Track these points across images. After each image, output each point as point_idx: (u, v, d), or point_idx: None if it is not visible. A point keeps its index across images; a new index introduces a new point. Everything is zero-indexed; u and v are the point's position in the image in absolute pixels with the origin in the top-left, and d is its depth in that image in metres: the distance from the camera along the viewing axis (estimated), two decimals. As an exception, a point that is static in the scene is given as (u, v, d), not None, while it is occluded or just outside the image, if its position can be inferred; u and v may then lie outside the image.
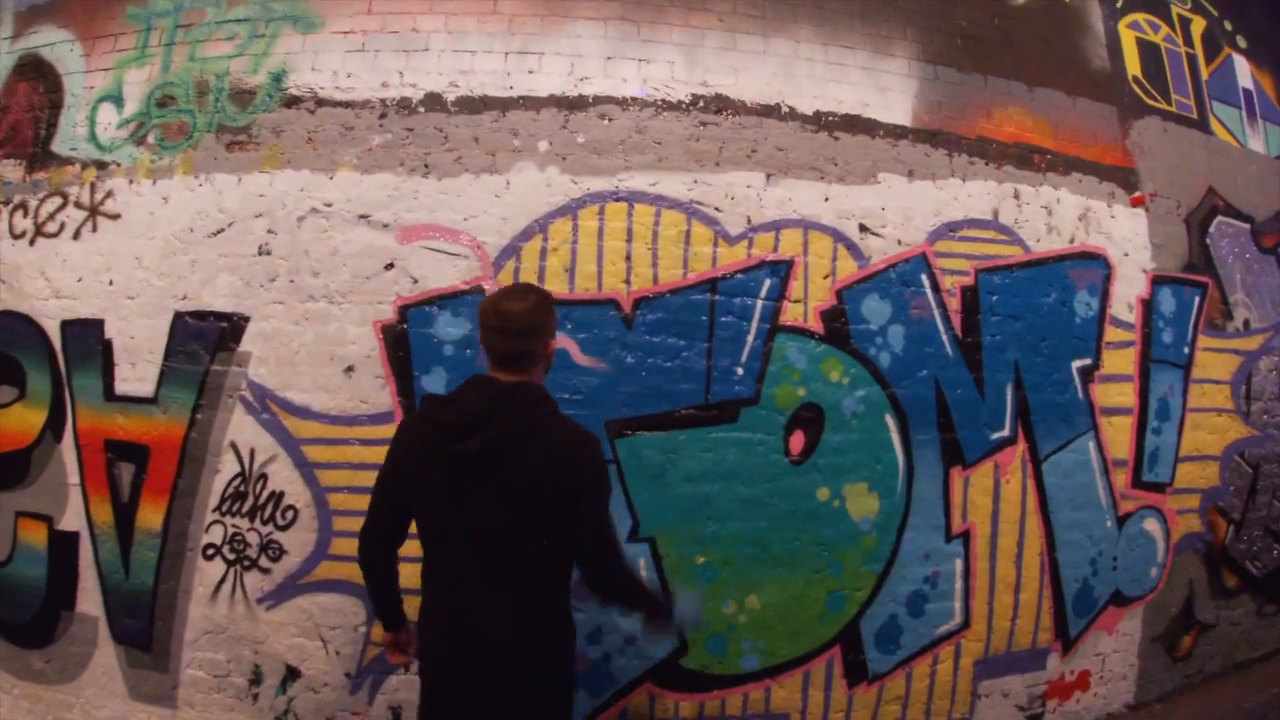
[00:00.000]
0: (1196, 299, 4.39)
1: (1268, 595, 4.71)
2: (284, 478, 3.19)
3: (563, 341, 3.17)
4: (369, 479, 3.13)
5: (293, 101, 3.37)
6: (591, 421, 3.14)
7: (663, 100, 3.41)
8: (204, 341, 3.26)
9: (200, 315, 3.28)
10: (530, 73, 3.39)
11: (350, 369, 3.19)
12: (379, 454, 3.11)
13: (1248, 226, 4.84)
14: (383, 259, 3.23)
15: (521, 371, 2.09)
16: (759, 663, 3.34)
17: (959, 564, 3.58)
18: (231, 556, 3.21)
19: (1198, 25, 4.97)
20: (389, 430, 3.08)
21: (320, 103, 3.36)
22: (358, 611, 3.15)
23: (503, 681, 2.03)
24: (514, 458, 1.99)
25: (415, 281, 3.22)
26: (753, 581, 3.31)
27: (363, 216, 3.26)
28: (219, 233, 3.30)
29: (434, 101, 3.34)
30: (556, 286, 3.20)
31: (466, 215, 3.25)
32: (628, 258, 3.26)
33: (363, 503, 3.09)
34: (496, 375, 2.09)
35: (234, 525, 3.21)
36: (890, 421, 3.45)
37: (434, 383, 3.15)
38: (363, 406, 3.18)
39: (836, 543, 3.38)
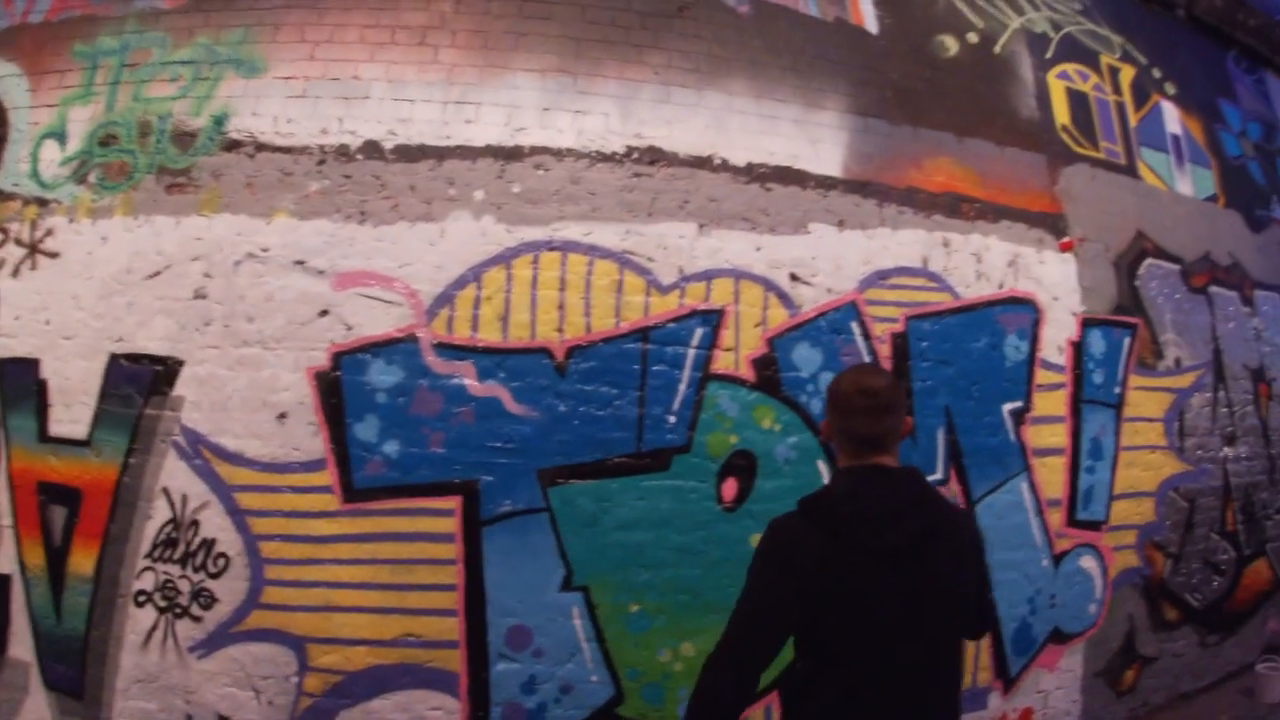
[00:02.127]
0: (1126, 340, 4.50)
1: (1209, 626, 4.80)
2: (215, 524, 3.15)
3: (495, 390, 3.19)
4: (301, 527, 3.18)
5: (233, 145, 3.38)
6: (524, 470, 3.18)
7: (597, 151, 3.47)
8: (138, 384, 3.23)
9: (135, 358, 3.25)
10: (468, 122, 3.44)
11: (283, 416, 3.18)
12: (311, 502, 3.16)
13: (1177, 268, 4.98)
14: (317, 305, 3.23)
15: (889, 452, 1.94)
16: None
17: (896, 606, 3.60)
18: (163, 604, 3.16)
19: (1127, 74, 5.14)
20: (321, 478, 3.13)
21: (260, 147, 3.38)
22: (290, 662, 3.11)
23: None
24: (933, 545, 1.86)
25: (349, 328, 3.22)
26: (688, 629, 3.30)
27: (298, 262, 3.26)
28: (156, 275, 3.29)
29: (372, 149, 3.37)
30: (489, 335, 3.23)
31: (402, 263, 3.27)
32: (561, 307, 3.29)
33: (296, 550, 3.16)
34: (876, 461, 1.91)
35: (165, 572, 3.17)
36: (823, 467, 3.48)
37: (366, 431, 3.14)
38: (295, 454, 3.16)
39: (771, 589, 3.39)
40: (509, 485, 3.16)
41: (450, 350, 3.20)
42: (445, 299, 3.25)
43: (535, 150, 3.43)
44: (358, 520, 3.11)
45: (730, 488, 3.36)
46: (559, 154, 3.44)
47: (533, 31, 3.59)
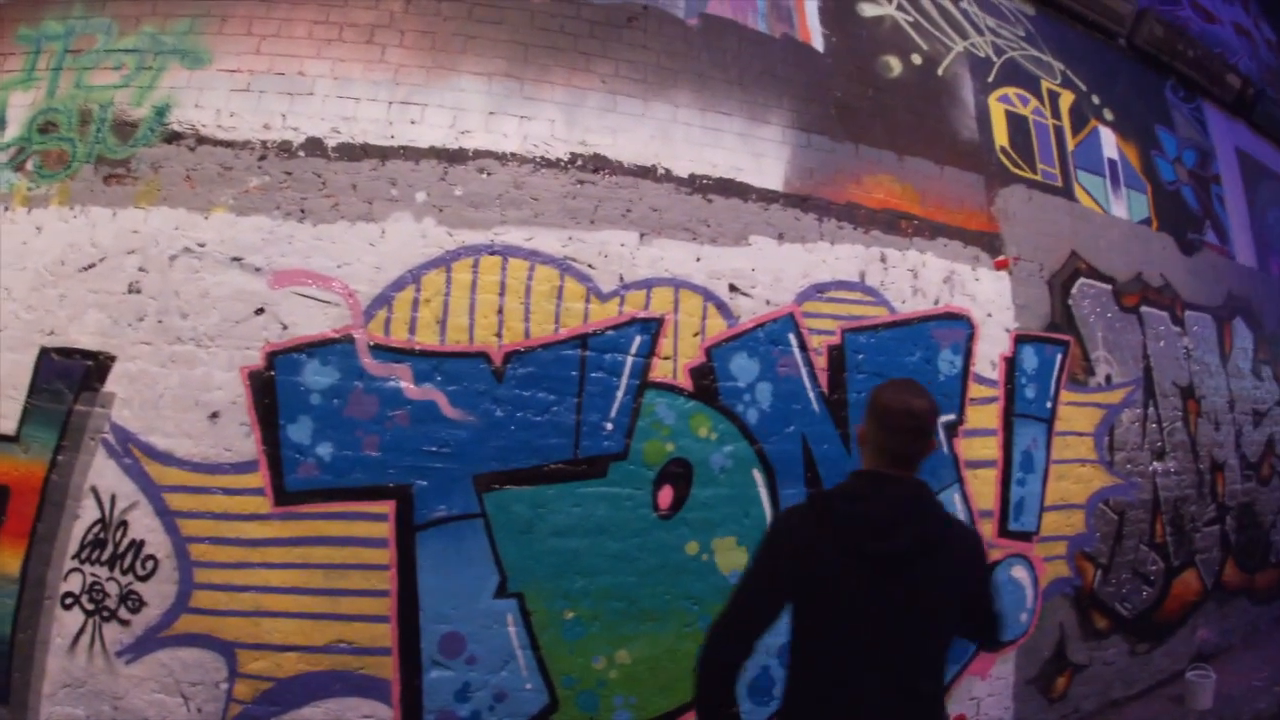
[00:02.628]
0: (1058, 356, 4.63)
1: (1139, 635, 4.93)
2: (144, 526, 3.07)
3: (431, 393, 3.17)
4: (231, 529, 3.12)
5: (174, 137, 3.31)
6: (459, 475, 3.15)
7: (542, 157, 3.47)
8: (68, 380, 3.13)
9: (66, 352, 3.15)
10: (412, 123, 3.42)
11: (215, 415, 3.11)
12: (242, 504, 3.10)
13: (1109, 287, 5.13)
14: (253, 303, 3.18)
15: (914, 468, 2.06)
16: (632, 717, 3.34)
17: (830, 615, 3.65)
18: (90, 607, 3.06)
19: (1066, 99, 5.29)
20: (253, 480, 3.06)
21: (201, 140, 3.31)
22: (219, 668, 3.04)
23: None
24: (929, 558, 1.94)
25: (285, 328, 3.17)
26: (623, 636, 3.31)
27: (235, 259, 3.21)
28: (90, 267, 3.21)
29: (315, 146, 3.33)
30: (427, 338, 3.21)
31: (340, 262, 3.23)
32: (500, 311, 3.28)
33: (226, 553, 3.10)
34: (893, 472, 2.02)
35: (93, 574, 3.07)
36: (758, 476, 3.53)
37: (300, 432, 3.09)
38: (226, 455, 3.09)
39: (706, 596, 3.41)
40: (444, 490, 3.14)
41: (387, 352, 3.17)
42: (383, 300, 3.22)
43: (479, 154, 3.42)
44: (289, 523, 3.05)
45: (666, 495, 3.38)
46: (503, 158, 3.44)
47: (482, 35, 3.59)
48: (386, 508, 3.10)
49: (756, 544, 2.06)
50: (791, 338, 3.68)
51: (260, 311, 3.17)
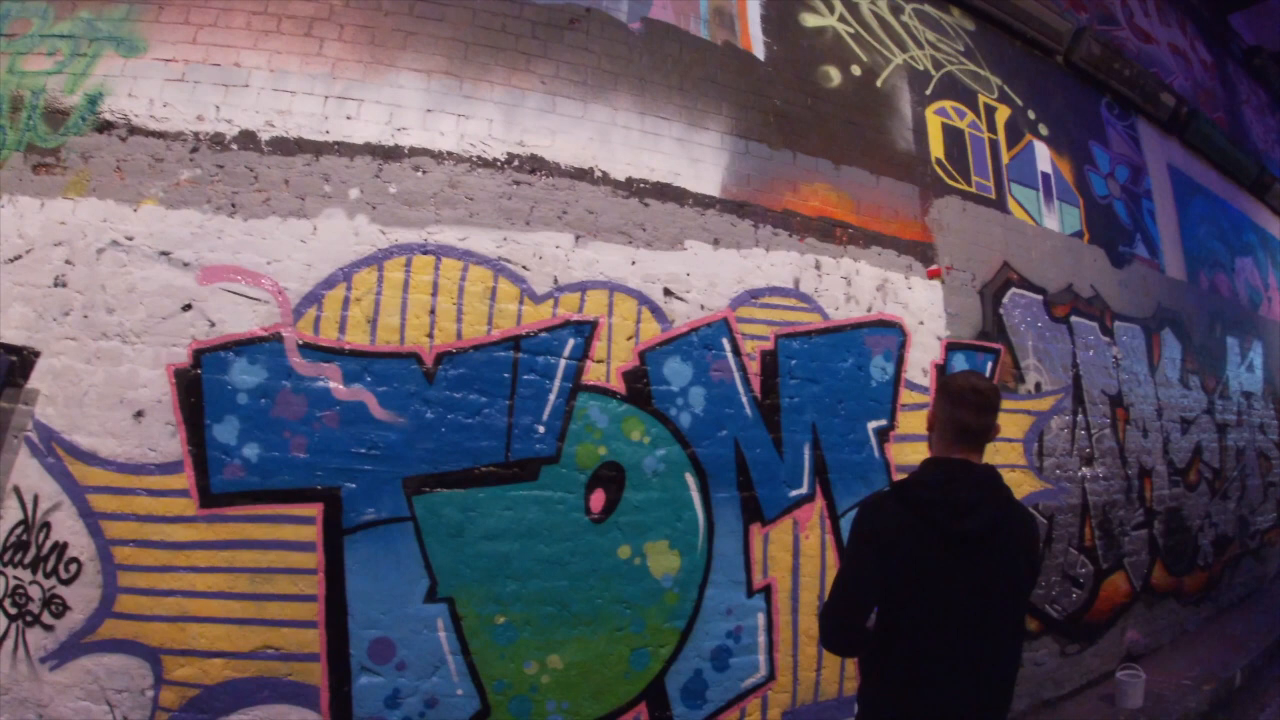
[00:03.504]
0: (989, 364, 4.74)
1: (1069, 636, 5.05)
2: (68, 527, 2.96)
3: (361, 395, 3.12)
4: (156, 532, 3.03)
5: (105, 127, 3.20)
6: (388, 477, 3.10)
7: (478, 157, 3.45)
8: (-9, 375, 3.03)
9: (-11, 347, 3.04)
10: (348, 118, 3.36)
11: (140, 414, 3.01)
12: (167, 506, 3.01)
13: (1040, 298, 5.27)
14: (181, 299, 3.08)
15: (980, 449, 2.21)
16: None
17: (761, 618, 3.68)
18: (13, 611, 2.94)
19: (1002, 113, 5.42)
20: (178, 481, 2.97)
21: (133, 130, 3.20)
22: (145, 674, 2.94)
23: None
24: (1001, 537, 2.10)
25: (212, 325, 3.08)
26: (555, 641, 3.29)
27: (164, 253, 3.11)
28: (16, 259, 3.08)
29: (248, 139, 3.25)
30: (357, 338, 3.15)
31: (270, 259, 3.16)
32: (432, 312, 3.25)
33: (151, 557, 3.01)
34: (962, 455, 2.18)
35: (16, 577, 2.95)
36: (690, 480, 3.54)
37: (226, 433, 3.01)
38: (151, 455, 3.00)
39: (638, 600, 3.41)
40: (373, 493, 3.08)
41: (316, 352, 3.10)
42: (313, 298, 3.16)
43: (415, 151, 3.38)
44: (215, 526, 2.97)
45: (598, 499, 3.37)
46: (439, 156, 3.40)
47: (422, 31, 3.55)
48: (314, 510, 3.03)
49: (849, 537, 2.23)
50: (725, 342, 3.70)
51: (188, 308, 3.09)
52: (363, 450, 3.09)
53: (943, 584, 2.06)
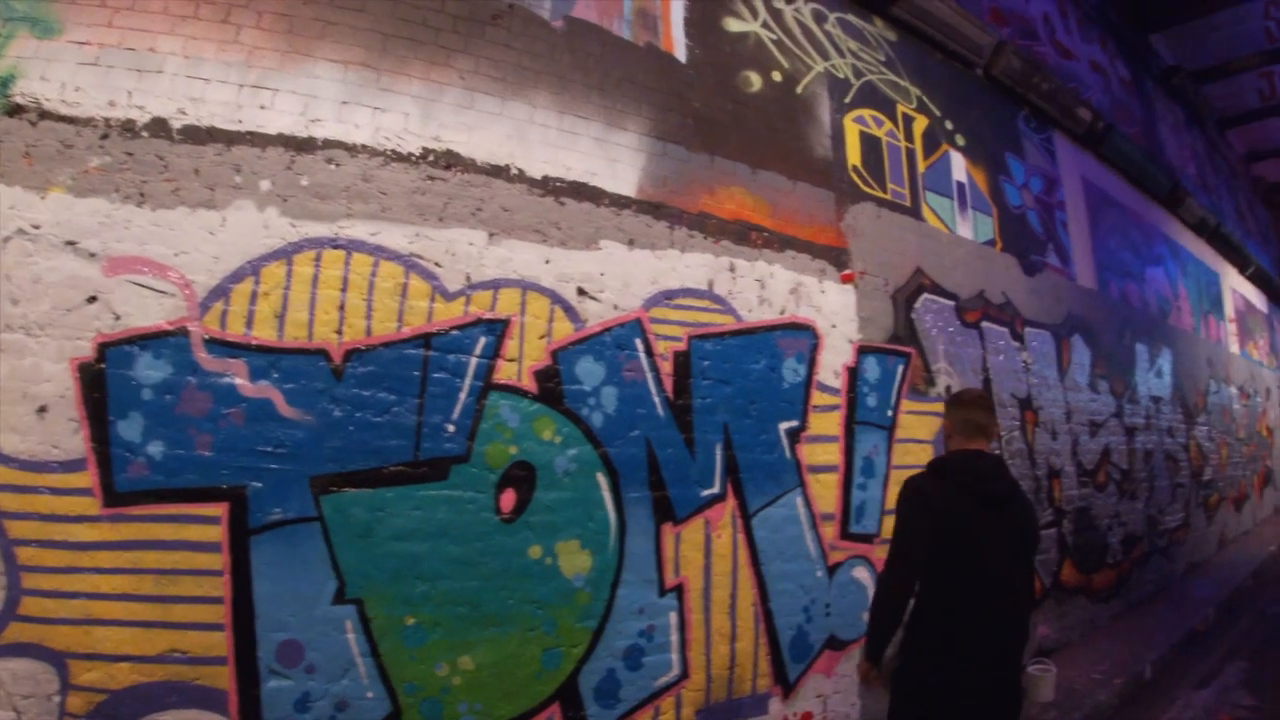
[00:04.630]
0: (900, 367, 4.87)
1: (979, 633, 5.23)
2: None
3: (267, 391, 3.04)
4: (60, 532, 2.88)
5: (16, 110, 3.00)
6: (295, 476, 3.01)
7: (393, 151, 3.38)
8: (-108, 368, 2.85)
9: (-111, 339, 2.86)
10: (262, 108, 3.24)
11: (44, 409, 2.84)
12: (71, 505, 2.88)
13: (952, 303, 5.44)
14: (86, 291, 2.93)
15: (989, 442, 2.91)
16: None
17: (674, 617, 3.71)
18: None
19: (920, 123, 5.57)
20: (82, 479, 2.83)
21: (44, 115, 3.02)
22: (51, 679, 2.78)
23: (1016, 685, 2.81)
24: (1015, 504, 2.80)
25: (118, 318, 2.93)
26: (466, 642, 3.24)
27: (70, 243, 2.94)
28: None
29: (159, 127, 3.11)
30: (265, 333, 3.06)
31: (178, 250, 3.02)
32: (341, 307, 3.17)
33: (55, 557, 2.87)
34: (976, 447, 2.87)
35: None
36: (602, 480, 3.55)
37: (130, 430, 2.87)
38: (54, 452, 2.84)
39: (550, 600, 3.40)
40: (279, 492, 2.99)
41: (222, 347, 2.99)
42: (220, 292, 3.04)
43: (329, 143, 3.29)
44: (119, 526, 2.83)
45: (509, 499, 3.34)
46: (353, 150, 3.32)
47: (341, 22, 3.46)
48: (220, 510, 2.92)
49: (899, 509, 2.83)
50: (638, 343, 3.72)
51: (93, 300, 2.94)
52: (269, 448, 2.99)
53: (978, 537, 2.65)
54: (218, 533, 2.92)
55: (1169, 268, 10.15)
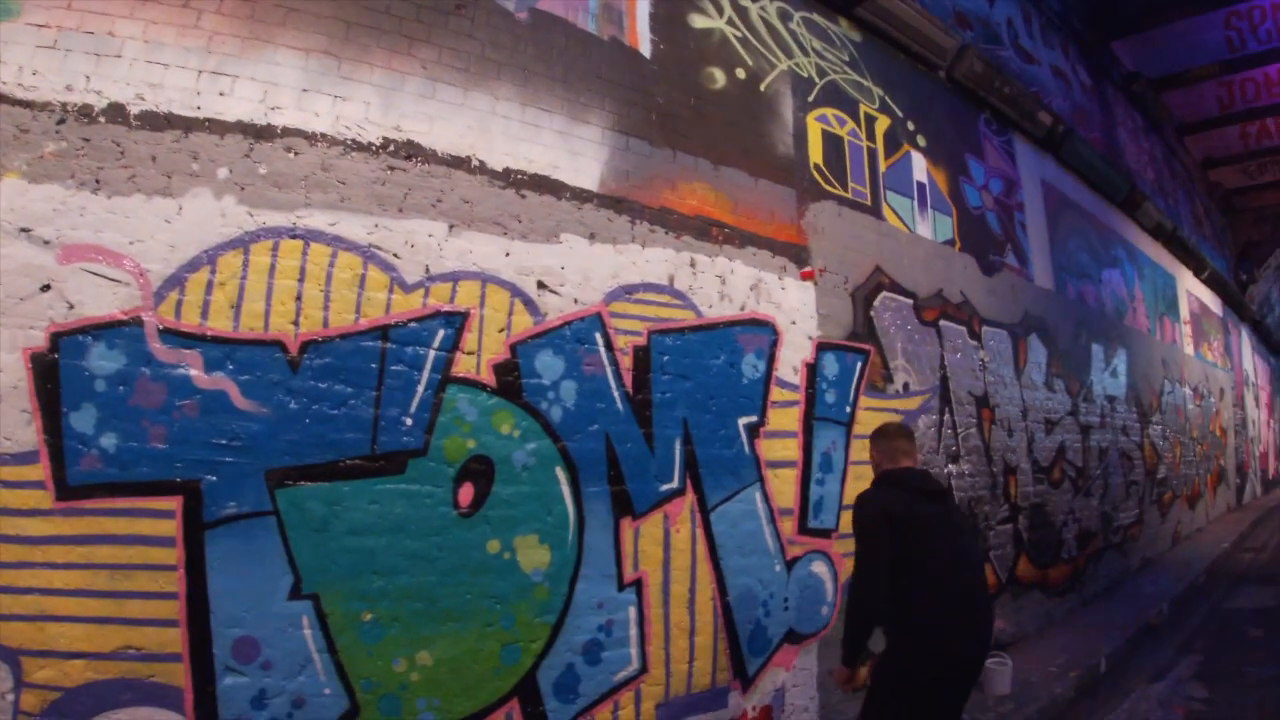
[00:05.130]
0: (859, 364, 4.94)
1: (935, 627, 5.31)
2: None
3: (222, 383, 2.98)
4: (12, 526, 2.79)
5: None
6: (250, 470, 2.95)
7: (353, 140, 3.34)
8: None
9: None
10: (221, 95, 3.17)
11: None
12: (23, 498, 2.79)
13: (911, 302, 5.52)
14: (40, 279, 2.84)
15: (913, 463, 3.47)
16: None
17: (633, 611, 3.72)
18: None
19: (882, 123, 5.63)
20: (34, 472, 2.74)
21: (0, 99, 3.01)
22: (4, 677, 2.67)
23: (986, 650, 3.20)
24: (950, 499, 3.38)
25: (71, 307, 2.84)
26: (423, 637, 3.21)
27: (24, 230, 2.85)
28: None
29: (117, 112, 3.03)
30: (220, 324, 2.99)
31: (133, 239, 2.94)
32: (298, 298, 3.12)
33: (7, 552, 2.75)
34: (912, 464, 3.44)
35: None
36: (561, 474, 3.54)
37: (83, 421, 2.79)
38: (6, 444, 2.73)
39: (508, 595, 3.38)
40: (234, 486, 2.93)
41: (177, 337, 2.92)
42: (176, 281, 2.97)
43: (288, 131, 3.23)
44: (72, 520, 2.76)
45: (467, 493, 3.32)
46: (312, 138, 3.26)
47: (303, 8, 3.39)
48: (173, 504, 2.85)
49: (859, 520, 3.20)
50: (598, 337, 3.72)
51: (47, 288, 2.85)
52: (224, 441, 2.93)
53: (936, 526, 3.08)
54: (171, 527, 2.86)
55: (1126, 270, 10.38)
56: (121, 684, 2.78)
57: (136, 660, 2.80)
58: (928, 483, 3.28)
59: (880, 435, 3.53)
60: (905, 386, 5.33)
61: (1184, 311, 13.09)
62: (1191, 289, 13.84)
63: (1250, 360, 19.45)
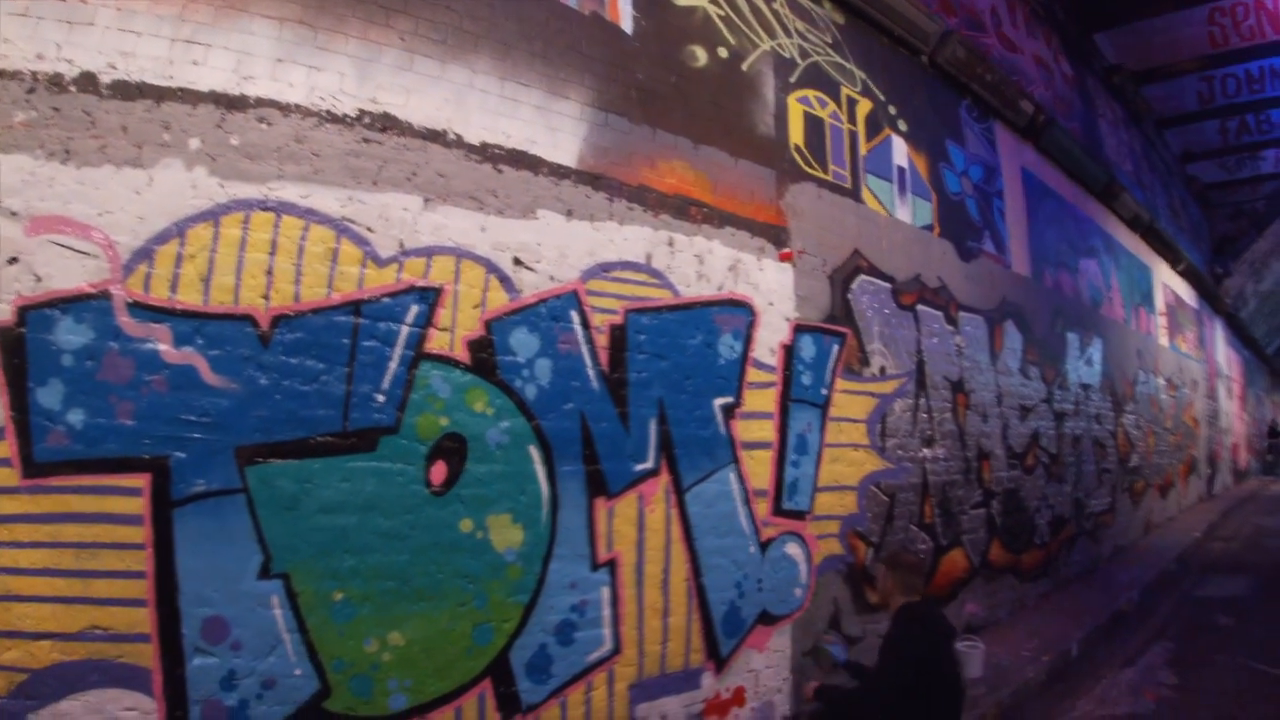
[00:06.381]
0: (835, 346, 4.94)
1: (909, 609, 5.37)
2: None
3: (192, 358, 2.91)
4: None
5: None
6: (220, 446, 2.88)
7: (328, 111, 3.26)
8: None
9: None
10: (194, 64, 3.07)
11: None
12: None
13: (889, 285, 5.54)
14: (7, 252, 2.73)
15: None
16: (407, 701, 3.19)
17: (606, 592, 3.72)
18: None
19: (864, 107, 5.62)
20: (0, 449, 2.68)
21: None
22: None
23: None
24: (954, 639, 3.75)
25: (39, 280, 2.75)
26: (395, 617, 3.17)
27: None
28: None
29: (88, 82, 2.92)
30: (190, 297, 2.92)
31: (102, 210, 2.85)
32: (269, 272, 3.05)
33: None
34: (915, 598, 3.65)
35: None
36: (535, 453, 3.52)
37: (50, 396, 2.71)
38: None
39: (481, 574, 3.36)
40: (203, 463, 2.87)
41: (146, 311, 2.84)
42: (145, 254, 2.88)
43: (261, 102, 3.14)
44: (39, 498, 2.68)
45: (439, 471, 3.29)
46: (286, 109, 3.18)
47: (279, -23, 3.35)
48: (141, 481, 2.79)
49: (895, 651, 3.46)
50: (574, 315, 3.69)
51: (14, 261, 2.75)
52: (193, 417, 2.86)
53: (947, 672, 3.42)
54: (139, 505, 2.79)
55: (1102, 260, 10.47)
56: (89, 665, 2.72)
57: (104, 641, 2.75)
58: (943, 624, 3.55)
59: (900, 567, 3.67)
60: (882, 370, 5.35)
61: (1159, 303, 13.24)
62: (1167, 281, 14.00)
63: (1223, 353, 19.75)
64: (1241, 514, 14.86)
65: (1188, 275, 15.22)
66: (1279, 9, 11.66)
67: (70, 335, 2.79)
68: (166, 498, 2.83)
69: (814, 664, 4.51)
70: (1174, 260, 14.20)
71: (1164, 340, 13.27)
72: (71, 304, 2.80)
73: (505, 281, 3.53)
